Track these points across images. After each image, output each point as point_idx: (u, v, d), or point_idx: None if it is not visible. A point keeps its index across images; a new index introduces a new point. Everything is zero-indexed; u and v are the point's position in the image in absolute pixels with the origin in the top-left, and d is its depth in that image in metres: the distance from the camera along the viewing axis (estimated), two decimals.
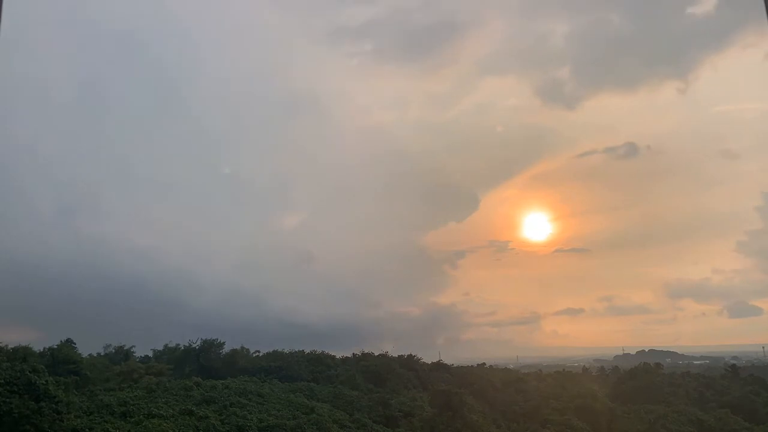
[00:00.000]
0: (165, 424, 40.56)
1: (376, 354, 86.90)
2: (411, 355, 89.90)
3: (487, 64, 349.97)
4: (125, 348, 73.67)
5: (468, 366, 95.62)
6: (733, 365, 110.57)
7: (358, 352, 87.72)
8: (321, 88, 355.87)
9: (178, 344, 76.34)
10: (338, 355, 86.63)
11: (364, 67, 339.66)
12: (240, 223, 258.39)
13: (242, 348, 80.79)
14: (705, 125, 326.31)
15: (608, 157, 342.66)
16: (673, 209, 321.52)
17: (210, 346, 74.83)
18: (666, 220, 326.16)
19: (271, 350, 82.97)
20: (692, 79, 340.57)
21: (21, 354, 51.70)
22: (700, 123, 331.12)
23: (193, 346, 74.55)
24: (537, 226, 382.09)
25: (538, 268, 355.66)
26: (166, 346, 77.42)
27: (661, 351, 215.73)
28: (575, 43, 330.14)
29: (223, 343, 76.47)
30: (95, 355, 69.37)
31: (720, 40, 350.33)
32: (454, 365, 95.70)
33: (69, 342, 62.41)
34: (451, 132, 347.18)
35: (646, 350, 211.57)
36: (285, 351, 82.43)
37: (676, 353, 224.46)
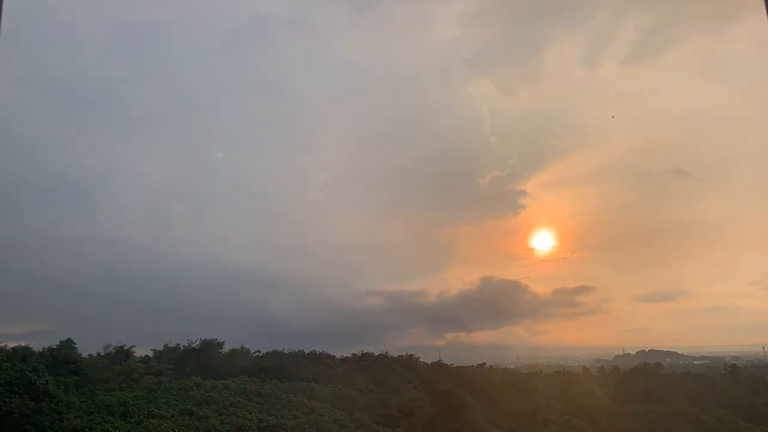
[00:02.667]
0: (165, 424, 40.62)
1: (376, 354, 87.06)
2: (411, 355, 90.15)
3: None
4: (125, 348, 73.69)
5: (468, 366, 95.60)
6: (733, 365, 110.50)
7: (358, 352, 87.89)
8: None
9: (178, 344, 76.45)
10: (338, 355, 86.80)
11: None
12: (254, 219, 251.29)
13: (242, 348, 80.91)
14: None
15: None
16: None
17: (210, 346, 74.93)
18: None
19: (271, 350, 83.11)
20: None
21: (21, 354, 51.77)
22: None
23: (193, 346, 74.65)
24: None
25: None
26: (166, 346, 77.43)
27: (661, 351, 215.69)
28: None
29: (223, 342, 76.69)
30: (95, 355, 69.41)
31: None
32: (454, 365, 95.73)
33: (69, 342, 62.44)
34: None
35: (646, 350, 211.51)
36: (285, 351, 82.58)
37: (676, 353, 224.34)
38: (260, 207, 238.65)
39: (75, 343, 62.98)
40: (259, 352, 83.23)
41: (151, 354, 77.89)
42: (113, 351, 72.67)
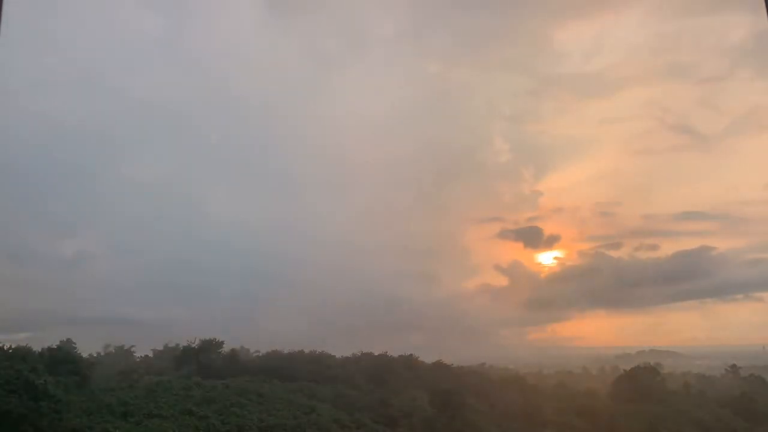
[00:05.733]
0: (165, 424, 40.62)
1: (376, 354, 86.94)
2: (411, 354, 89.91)
3: None
4: (125, 348, 73.78)
5: (468, 366, 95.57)
6: (733, 365, 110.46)
7: (358, 352, 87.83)
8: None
9: (178, 344, 76.46)
10: (338, 355, 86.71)
11: None
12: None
13: (242, 348, 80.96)
14: None
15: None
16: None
17: (210, 346, 74.88)
18: None
19: (271, 350, 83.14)
20: None
21: (20, 354, 51.71)
22: None
23: (193, 345, 74.62)
24: None
25: None
26: (166, 345, 77.53)
27: (661, 351, 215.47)
28: None
29: (223, 342, 76.62)
30: (95, 355, 69.47)
31: None
32: (454, 365, 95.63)
33: (69, 342, 62.49)
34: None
35: (647, 350, 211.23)
36: (285, 351, 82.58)
37: (676, 353, 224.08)
38: (262, 204, 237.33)
39: (75, 343, 63.04)
40: (258, 352, 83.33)
41: (151, 354, 77.97)
42: (113, 351, 72.74)
